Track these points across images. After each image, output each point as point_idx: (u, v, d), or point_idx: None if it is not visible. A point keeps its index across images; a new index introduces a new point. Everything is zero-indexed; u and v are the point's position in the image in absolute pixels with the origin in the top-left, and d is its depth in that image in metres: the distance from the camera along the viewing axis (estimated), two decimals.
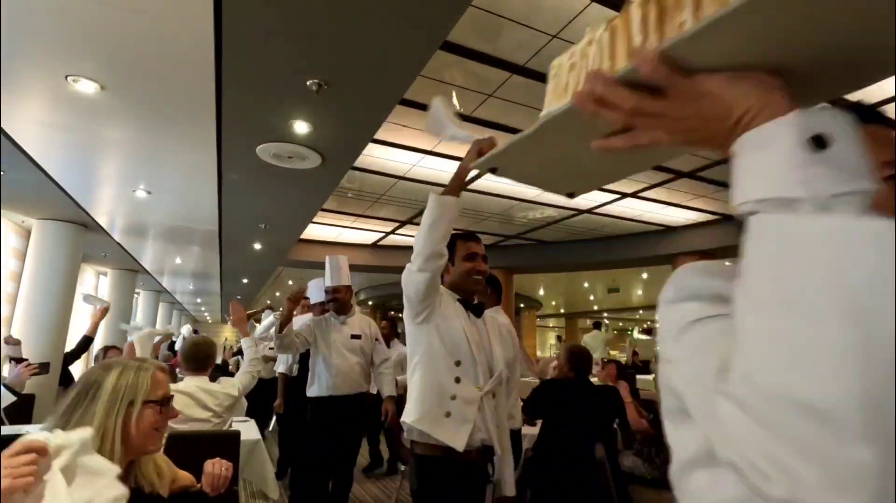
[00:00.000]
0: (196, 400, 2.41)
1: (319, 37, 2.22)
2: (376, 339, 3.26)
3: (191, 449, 2.02)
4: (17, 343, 3.72)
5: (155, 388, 1.17)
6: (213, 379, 2.64)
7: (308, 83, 2.54)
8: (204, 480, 1.44)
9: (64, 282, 5.62)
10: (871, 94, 3.17)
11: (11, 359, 3.34)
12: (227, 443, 2.29)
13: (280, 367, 4.27)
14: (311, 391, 3.11)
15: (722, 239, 6.13)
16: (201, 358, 2.53)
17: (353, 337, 3.10)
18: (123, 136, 3.33)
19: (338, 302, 3.11)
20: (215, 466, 1.47)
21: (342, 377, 3.05)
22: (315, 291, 4.02)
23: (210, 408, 2.43)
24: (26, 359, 3.32)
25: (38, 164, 3.85)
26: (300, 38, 2.23)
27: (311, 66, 2.43)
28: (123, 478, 1.19)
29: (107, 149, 3.57)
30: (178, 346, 8.43)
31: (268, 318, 5.15)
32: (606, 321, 17.24)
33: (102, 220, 5.64)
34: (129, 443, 1.11)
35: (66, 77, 2.54)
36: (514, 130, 3.83)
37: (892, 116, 3.45)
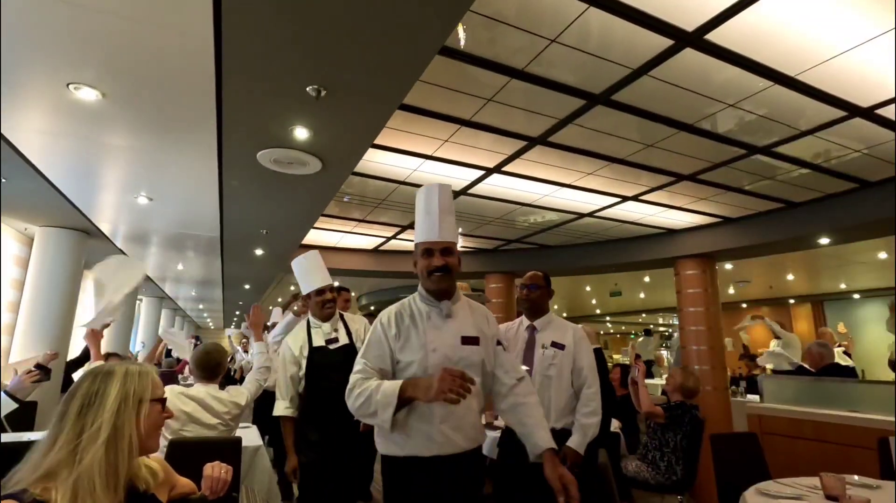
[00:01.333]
0: (206, 406, 2.44)
1: (318, 43, 2.23)
2: (498, 342, 1.77)
3: (192, 455, 2.02)
4: (55, 356, 3.63)
5: (155, 388, 1.21)
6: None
7: (307, 89, 2.55)
8: (203, 483, 1.45)
9: (67, 289, 5.63)
10: (870, 96, 3.17)
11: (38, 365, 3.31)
12: (228, 450, 2.29)
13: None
14: (386, 447, 1.64)
15: (723, 241, 6.11)
16: (213, 366, 2.57)
17: (467, 341, 1.66)
18: (124, 143, 3.34)
19: (448, 273, 1.67)
20: (214, 469, 1.48)
21: (454, 420, 1.60)
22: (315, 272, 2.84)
23: (220, 415, 2.46)
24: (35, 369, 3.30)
25: (40, 171, 3.87)
26: (299, 45, 2.24)
27: (311, 72, 2.44)
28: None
29: (108, 156, 3.59)
30: (175, 353, 8.44)
31: (286, 318, 5.11)
32: (653, 327, 17.32)
33: (105, 227, 5.66)
34: (140, 440, 1.15)
35: (68, 85, 2.56)
36: (513, 135, 3.83)
37: (892, 117, 3.44)
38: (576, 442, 2.29)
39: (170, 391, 2.30)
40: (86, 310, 7.60)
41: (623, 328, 21.11)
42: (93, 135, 3.22)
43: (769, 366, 5.77)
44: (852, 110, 3.34)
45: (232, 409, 2.51)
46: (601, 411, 2.37)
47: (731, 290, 10.91)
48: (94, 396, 1.11)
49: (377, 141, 3.85)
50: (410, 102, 3.33)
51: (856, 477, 2.10)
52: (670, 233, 6.60)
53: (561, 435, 2.30)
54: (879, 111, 3.35)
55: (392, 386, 1.55)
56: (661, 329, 19.56)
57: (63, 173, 4.01)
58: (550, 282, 2.72)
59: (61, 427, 1.08)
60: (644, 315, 17.11)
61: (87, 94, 2.65)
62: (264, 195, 4.39)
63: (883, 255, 7.72)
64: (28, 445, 1.11)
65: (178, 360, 8.53)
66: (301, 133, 3.09)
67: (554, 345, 2.47)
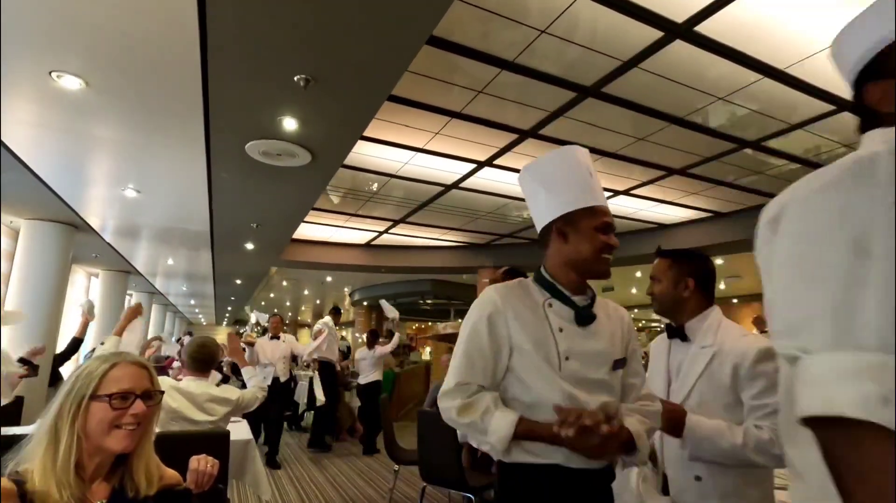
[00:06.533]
0: (196, 403, 2.39)
1: (306, 31, 2.20)
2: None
3: (180, 449, 2.00)
4: (42, 352, 3.66)
5: (108, 383, 1.12)
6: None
7: (295, 78, 2.52)
8: (189, 477, 1.42)
9: (54, 283, 5.56)
10: None
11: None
12: (216, 443, 2.26)
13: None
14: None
15: (714, 236, 6.15)
16: (207, 359, 2.53)
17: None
18: (110, 133, 3.29)
19: None
20: (200, 463, 1.45)
21: None
22: None
23: (208, 412, 2.42)
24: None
25: (24, 163, 3.81)
26: (286, 33, 2.21)
27: (298, 61, 2.41)
28: (108, 476, 1.17)
29: (94, 147, 3.54)
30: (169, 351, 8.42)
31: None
32: None
33: (92, 221, 5.59)
34: (83, 441, 1.09)
35: (50, 73, 2.51)
36: (504, 127, 3.82)
37: None
38: None
39: (161, 383, 2.26)
40: (73, 305, 7.53)
41: None
42: (77, 125, 3.17)
43: None
44: (841, 104, 3.36)
45: (223, 406, 2.48)
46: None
47: (722, 286, 10.99)
48: (55, 398, 1.10)
49: (367, 133, 3.82)
50: (400, 94, 3.31)
51: None
52: (661, 227, 6.63)
53: None
54: None
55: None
56: (654, 325, 19.69)
57: (48, 165, 3.95)
58: (513, 276, 2.49)
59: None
60: (637, 310, 17.20)
61: (71, 83, 2.60)
62: (254, 188, 4.35)
63: None
64: (14, 440, 1.10)
65: (166, 357, 8.49)
66: (289, 124, 3.05)
67: None
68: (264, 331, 6.13)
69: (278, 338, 5.43)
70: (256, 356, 5.16)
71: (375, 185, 5.20)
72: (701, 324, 1.50)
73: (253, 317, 5.40)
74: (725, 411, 1.38)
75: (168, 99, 2.82)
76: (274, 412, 5.16)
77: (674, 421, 1.37)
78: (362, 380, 5.99)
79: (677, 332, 1.53)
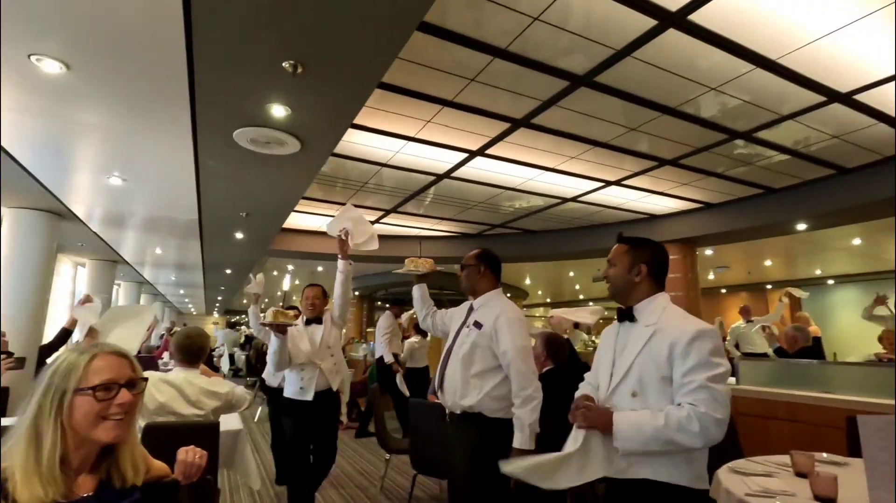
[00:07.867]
0: (184, 394, 2.35)
1: (293, 15, 2.15)
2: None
3: (169, 440, 1.98)
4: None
5: (90, 375, 1.10)
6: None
7: (283, 65, 2.47)
8: (177, 468, 1.41)
9: (39, 273, 5.47)
10: (849, 81, 3.19)
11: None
12: (206, 434, 2.24)
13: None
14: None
15: (704, 227, 6.19)
16: (194, 351, 2.47)
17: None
18: (93, 119, 3.22)
19: None
20: (188, 454, 1.44)
21: None
22: None
23: (196, 405, 2.38)
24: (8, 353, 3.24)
25: (4, 149, 3.72)
26: (273, 17, 2.16)
27: (286, 47, 2.36)
28: (93, 468, 1.16)
29: (77, 133, 3.45)
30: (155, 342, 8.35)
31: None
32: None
33: (77, 209, 5.49)
34: (68, 436, 1.07)
35: (30, 56, 2.44)
36: (497, 116, 3.79)
37: (870, 103, 3.48)
38: (517, 440, 2.03)
39: (148, 377, 2.21)
40: (60, 295, 7.42)
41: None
42: (59, 111, 3.09)
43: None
44: (832, 95, 3.37)
45: (211, 399, 2.44)
46: (539, 396, 2.11)
47: (711, 276, 11.10)
48: (31, 395, 1.07)
49: (358, 121, 3.78)
50: (392, 81, 3.26)
51: (824, 454, 2.15)
52: (652, 218, 6.65)
53: (463, 418, 2.17)
54: (857, 97, 3.38)
55: None
56: None
57: (30, 152, 3.85)
58: (489, 261, 2.41)
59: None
60: None
61: (51, 67, 2.52)
62: (242, 176, 4.29)
63: (857, 242, 7.90)
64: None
65: (156, 346, 8.44)
66: (278, 111, 3.00)
67: (476, 324, 2.26)
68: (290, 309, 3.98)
69: (319, 321, 3.15)
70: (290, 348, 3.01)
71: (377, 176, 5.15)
72: (648, 306, 1.59)
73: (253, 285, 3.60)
74: (661, 383, 1.47)
75: (153, 84, 2.75)
76: (328, 451, 3.13)
77: (605, 420, 1.48)
78: (415, 364, 6.12)
79: (627, 314, 1.61)
